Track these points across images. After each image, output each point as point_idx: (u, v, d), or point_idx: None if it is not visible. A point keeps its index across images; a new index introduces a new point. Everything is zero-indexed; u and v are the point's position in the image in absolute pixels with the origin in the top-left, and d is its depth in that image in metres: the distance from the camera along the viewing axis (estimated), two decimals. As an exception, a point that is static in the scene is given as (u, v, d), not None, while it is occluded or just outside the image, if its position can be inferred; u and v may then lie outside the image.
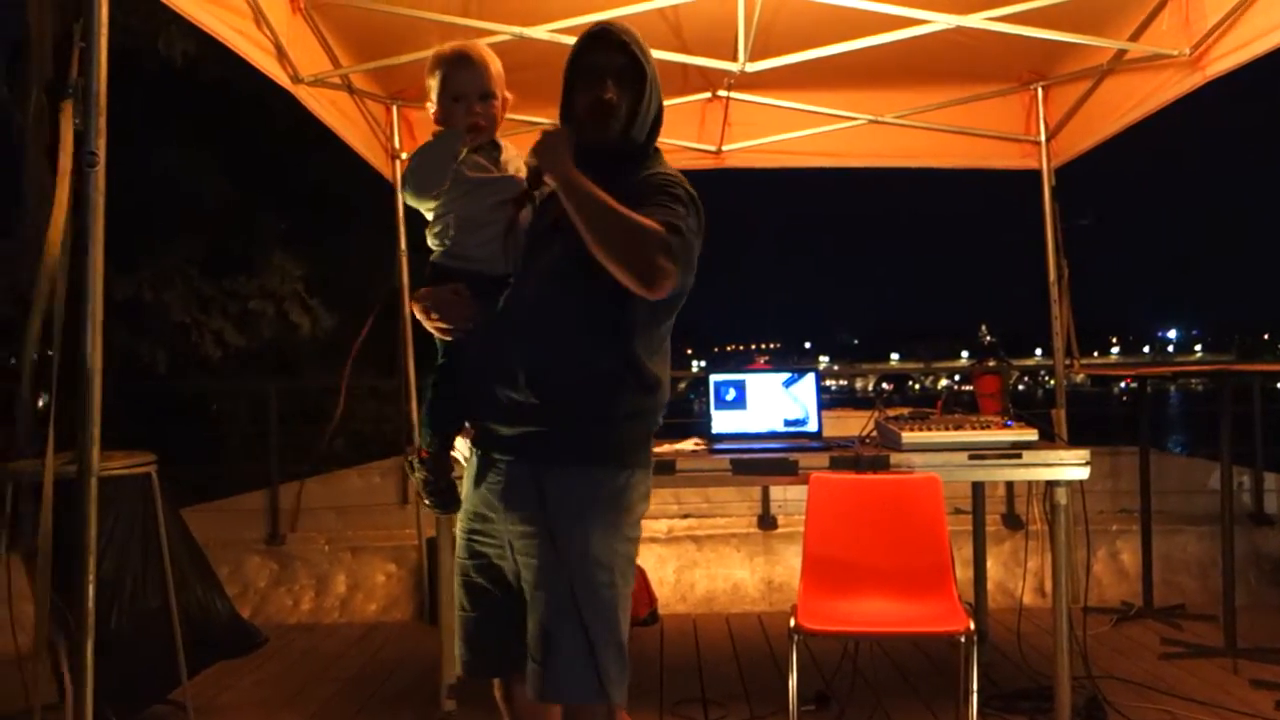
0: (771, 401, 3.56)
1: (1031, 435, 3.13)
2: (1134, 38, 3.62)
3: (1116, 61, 3.87)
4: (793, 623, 2.79)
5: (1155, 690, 3.57)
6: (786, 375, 3.59)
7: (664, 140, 2.07)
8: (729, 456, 3.19)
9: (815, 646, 3.64)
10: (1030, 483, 4.23)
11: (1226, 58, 3.31)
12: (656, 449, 2.61)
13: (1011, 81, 4.42)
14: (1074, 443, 3.63)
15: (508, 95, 2.05)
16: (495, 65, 2.02)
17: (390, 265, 4.68)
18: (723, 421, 3.56)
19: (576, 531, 1.86)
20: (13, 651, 3.12)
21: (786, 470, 3.16)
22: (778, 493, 5.30)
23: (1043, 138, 4.54)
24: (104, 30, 2.04)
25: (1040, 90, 4.46)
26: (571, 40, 2.03)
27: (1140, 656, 4.01)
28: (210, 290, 8.66)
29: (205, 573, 3.63)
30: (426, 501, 2.10)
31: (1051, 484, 3.09)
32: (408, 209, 4.03)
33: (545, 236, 1.95)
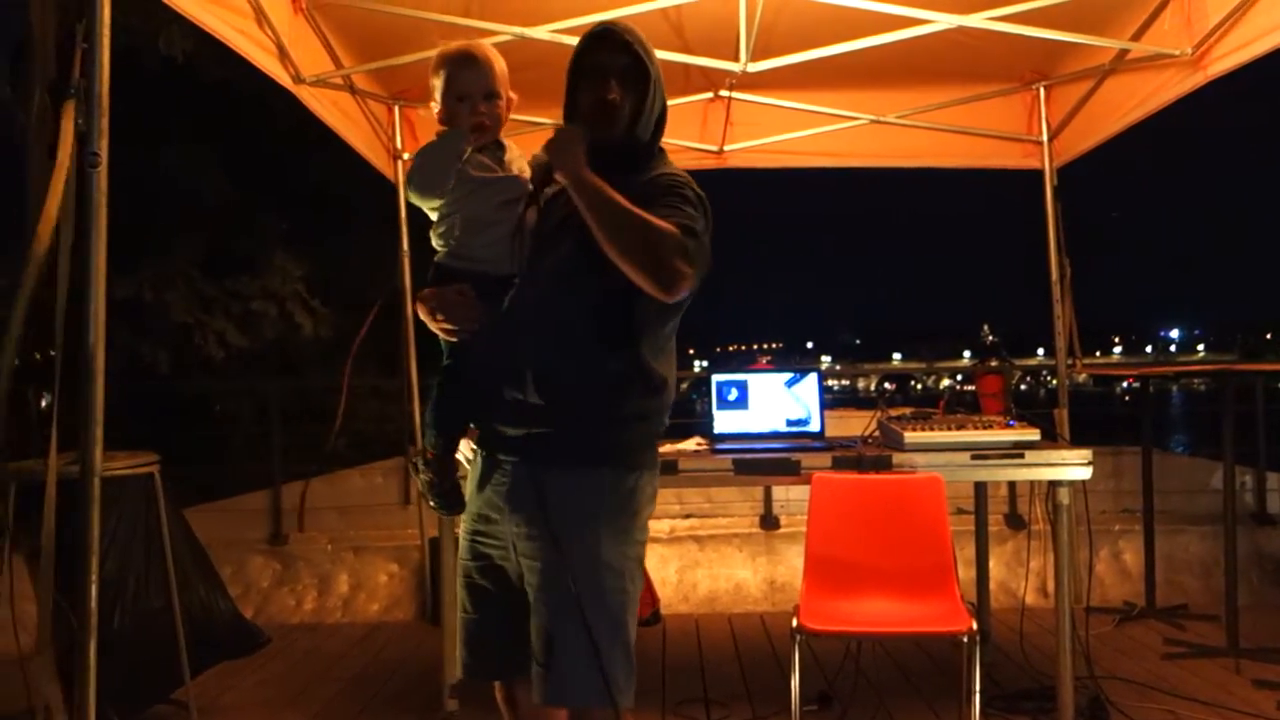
0: (774, 401, 3.55)
1: (1034, 435, 3.13)
2: (1136, 37, 3.62)
3: (1118, 61, 3.87)
4: (795, 623, 2.79)
5: (1158, 690, 3.57)
6: (789, 375, 3.59)
7: (666, 140, 2.06)
8: (731, 456, 3.19)
9: (818, 646, 3.63)
10: (1032, 483, 4.23)
11: (1228, 57, 3.31)
12: (659, 449, 2.60)
13: (1013, 81, 4.41)
14: (1076, 443, 3.63)
15: (512, 95, 2.04)
16: (500, 65, 2.01)
17: (392, 265, 4.68)
18: (725, 421, 3.56)
19: (586, 534, 1.86)
20: (15, 651, 3.12)
21: (789, 470, 3.16)
22: (780, 493, 5.30)
23: (1045, 137, 4.53)
24: (106, 31, 2.04)
25: (1042, 90, 4.45)
26: (573, 40, 2.03)
27: (1143, 656, 4.01)
28: (212, 291, 8.67)
29: (208, 573, 3.63)
30: (431, 503, 2.09)
31: (1054, 484, 3.09)
32: (410, 209, 4.04)
33: (552, 236, 1.94)
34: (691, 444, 3.42)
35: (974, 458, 3.11)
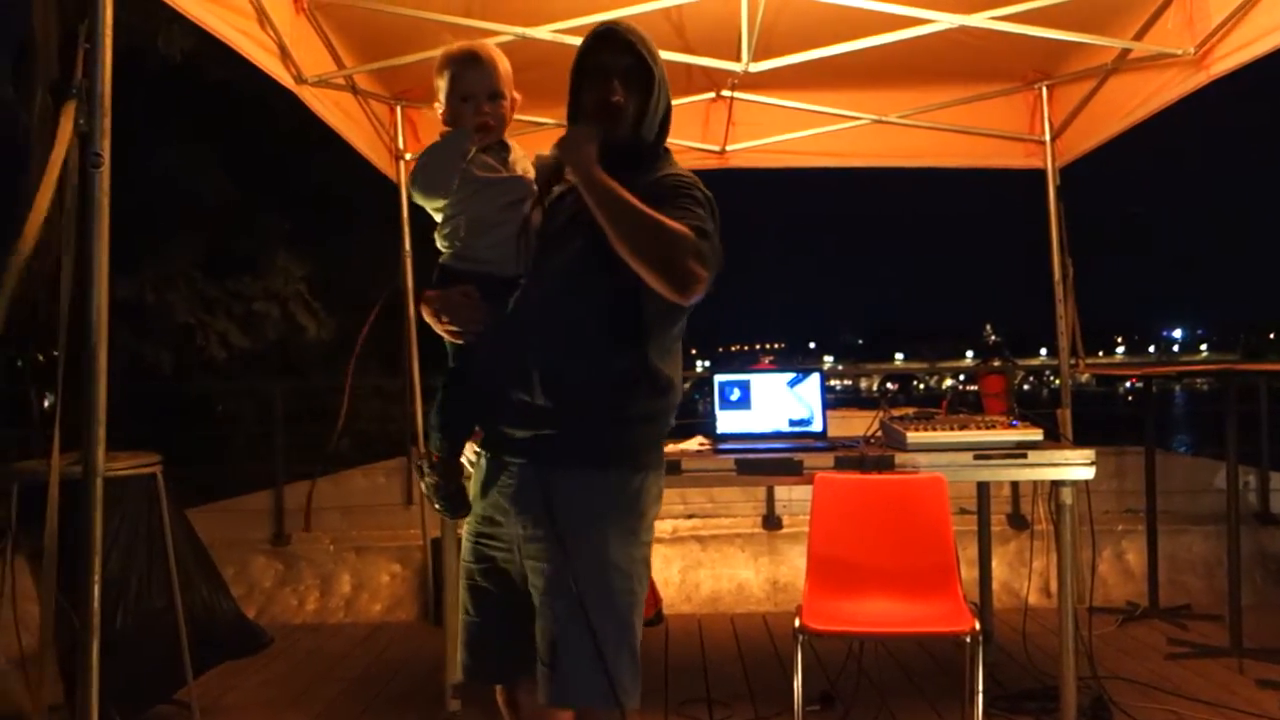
0: (776, 401, 3.55)
1: (1037, 435, 3.13)
2: (1138, 37, 3.62)
3: (1121, 61, 3.86)
4: (797, 623, 2.79)
5: (1161, 690, 3.56)
6: (791, 375, 3.59)
7: (669, 140, 2.06)
8: (734, 456, 3.19)
9: (820, 647, 3.62)
10: (1035, 482, 4.23)
11: (1230, 57, 3.31)
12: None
13: (1016, 81, 4.41)
14: (1079, 442, 3.63)
15: (516, 95, 2.03)
16: (504, 65, 2.00)
17: (394, 265, 4.68)
18: (727, 421, 3.56)
19: (593, 535, 1.85)
20: (18, 652, 3.13)
21: (791, 470, 3.16)
22: (783, 493, 5.29)
23: (1047, 137, 4.53)
24: (109, 32, 2.04)
25: (1045, 89, 4.45)
26: (575, 41, 2.03)
27: (1146, 656, 4.00)
28: (214, 292, 8.68)
29: (210, 573, 3.63)
30: (436, 506, 2.08)
31: (1057, 484, 3.09)
32: (412, 209, 4.04)
33: (558, 237, 1.93)
34: (694, 444, 3.42)
35: (977, 458, 3.10)
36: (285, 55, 3.41)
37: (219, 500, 5.42)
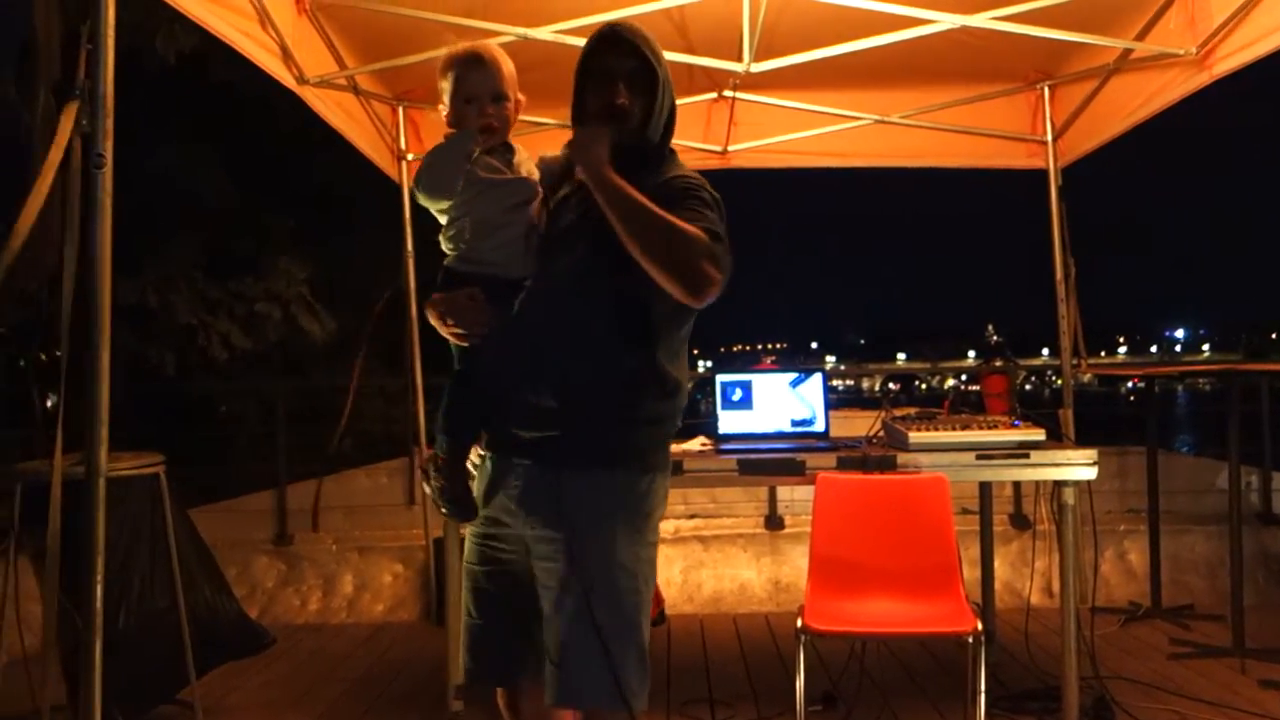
0: (778, 401, 3.55)
1: (1039, 435, 3.13)
2: (1140, 37, 3.61)
3: (1123, 61, 3.86)
4: (800, 623, 2.79)
5: (1163, 690, 3.56)
6: (793, 375, 3.59)
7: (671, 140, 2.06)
8: (736, 457, 3.19)
9: (822, 647, 3.62)
10: (1038, 483, 4.22)
11: (1233, 57, 3.30)
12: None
13: (1017, 81, 4.41)
14: (1081, 442, 3.62)
15: (520, 97, 2.02)
16: (508, 66, 2.00)
17: (397, 266, 4.68)
18: (729, 421, 3.56)
19: (602, 536, 1.85)
20: (21, 652, 3.13)
21: (793, 470, 3.16)
22: (785, 493, 5.30)
23: (1049, 137, 4.52)
24: (111, 33, 2.04)
25: (1046, 89, 4.44)
26: (577, 41, 2.03)
27: (1148, 657, 4.00)
28: (217, 293, 8.67)
29: (213, 573, 3.63)
30: (443, 510, 2.06)
31: (1059, 484, 3.09)
32: (414, 210, 4.04)
33: (564, 238, 1.93)
34: (696, 444, 3.42)
35: (979, 458, 3.10)
36: (287, 56, 3.41)
37: (221, 500, 5.43)
